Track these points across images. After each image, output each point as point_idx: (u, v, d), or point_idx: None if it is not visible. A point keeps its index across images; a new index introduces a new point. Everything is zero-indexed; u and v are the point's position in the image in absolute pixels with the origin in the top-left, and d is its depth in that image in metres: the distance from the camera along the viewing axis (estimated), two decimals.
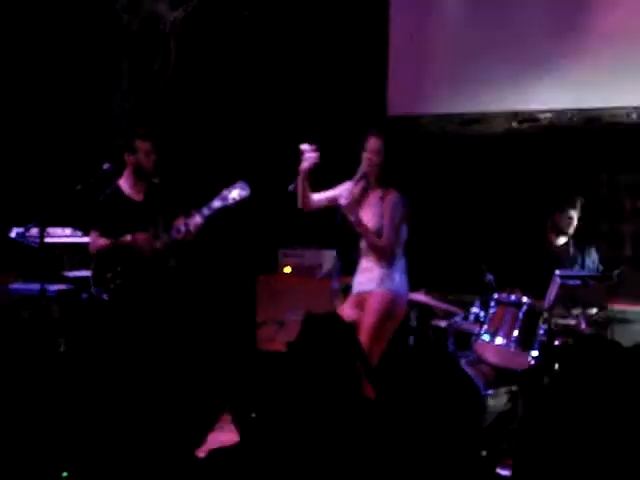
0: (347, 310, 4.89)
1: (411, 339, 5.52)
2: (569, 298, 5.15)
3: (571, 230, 5.75)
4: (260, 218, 6.95)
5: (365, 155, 4.99)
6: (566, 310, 5.18)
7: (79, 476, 2.92)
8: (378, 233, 4.94)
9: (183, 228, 5.29)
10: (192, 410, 2.88)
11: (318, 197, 5.12)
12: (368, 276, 4.97)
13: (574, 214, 5.72)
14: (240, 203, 5.25)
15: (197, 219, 5.29)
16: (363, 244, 5.03)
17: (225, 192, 5.28)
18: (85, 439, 3.04)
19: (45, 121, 7.50)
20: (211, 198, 5.29)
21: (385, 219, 4.96)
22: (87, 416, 3.15)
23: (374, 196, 5.02)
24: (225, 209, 5.29)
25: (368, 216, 4.98)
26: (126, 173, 5.53)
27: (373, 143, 5.00)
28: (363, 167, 5.00)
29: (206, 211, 5.28)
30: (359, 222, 4.92)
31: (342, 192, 4.99)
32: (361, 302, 4.97)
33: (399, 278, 4.98)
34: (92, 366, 5.08)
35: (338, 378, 2.80)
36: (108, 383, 3.86)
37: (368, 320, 4.87)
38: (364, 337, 4.64)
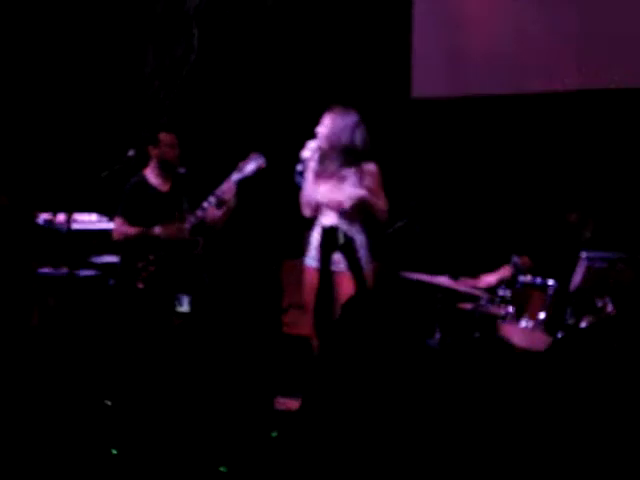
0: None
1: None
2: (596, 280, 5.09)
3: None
4: (287, 203, 6.96)
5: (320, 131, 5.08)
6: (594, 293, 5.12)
7: None
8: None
9: (212, 199, 5.31)
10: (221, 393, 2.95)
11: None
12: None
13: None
14: (258, 173, 5.36)
15: (223, 187, 5.32)
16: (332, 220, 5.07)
17: (241, 164, 5.35)
18: None
19: (68, 107, 7.52)
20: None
21: (376, 188, 5.09)
22: None
23: (347, 171, 5.08)
24: (247, 184, 5.39)
25: (346, 191, 5.05)
26: (151, 164, 5.55)
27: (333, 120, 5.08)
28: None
29: (230, 181, 5.32)
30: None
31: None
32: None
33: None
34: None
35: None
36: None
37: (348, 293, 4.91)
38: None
